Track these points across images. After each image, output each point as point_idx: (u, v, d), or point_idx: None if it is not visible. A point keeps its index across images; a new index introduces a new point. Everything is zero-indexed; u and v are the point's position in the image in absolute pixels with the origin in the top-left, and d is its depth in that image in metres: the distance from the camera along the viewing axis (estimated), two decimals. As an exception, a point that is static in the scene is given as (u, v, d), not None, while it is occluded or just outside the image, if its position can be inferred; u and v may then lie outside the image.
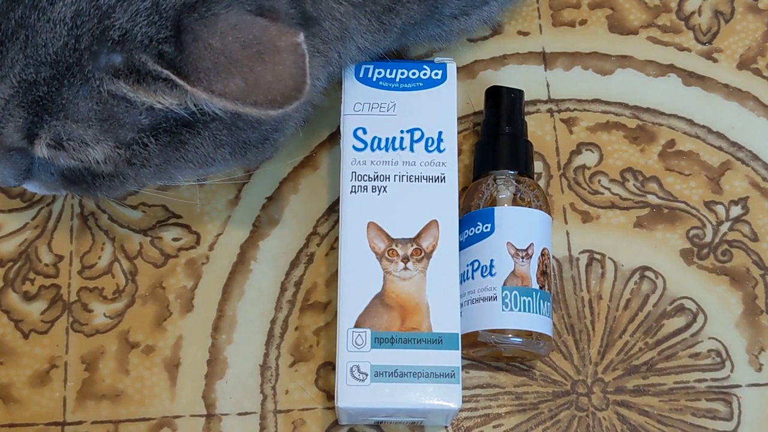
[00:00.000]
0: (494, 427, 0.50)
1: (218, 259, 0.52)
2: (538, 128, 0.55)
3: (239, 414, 0.50)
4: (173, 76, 0.40)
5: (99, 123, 0.42)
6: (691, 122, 0.55)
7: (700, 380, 0.51)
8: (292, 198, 0.53)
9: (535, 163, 0.53)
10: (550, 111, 0.55)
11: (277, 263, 0.52)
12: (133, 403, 0.50)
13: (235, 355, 0.51)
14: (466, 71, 0.56)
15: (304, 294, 0.52)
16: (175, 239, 0.53)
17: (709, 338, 0.51)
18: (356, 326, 0.46)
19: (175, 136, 0.44)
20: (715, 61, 0.56)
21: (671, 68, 0.56)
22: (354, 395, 0.45)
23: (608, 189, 0.54)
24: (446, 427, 0.50)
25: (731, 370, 0.51)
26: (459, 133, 0.54)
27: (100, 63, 0.41)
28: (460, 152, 0.54)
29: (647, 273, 0.52)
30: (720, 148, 0.55)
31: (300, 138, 0.53)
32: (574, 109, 0.55)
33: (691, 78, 0.56)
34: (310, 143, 0.54)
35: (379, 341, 0.46)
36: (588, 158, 0.54)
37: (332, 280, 0.52)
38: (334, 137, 0.54)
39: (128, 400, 0.50)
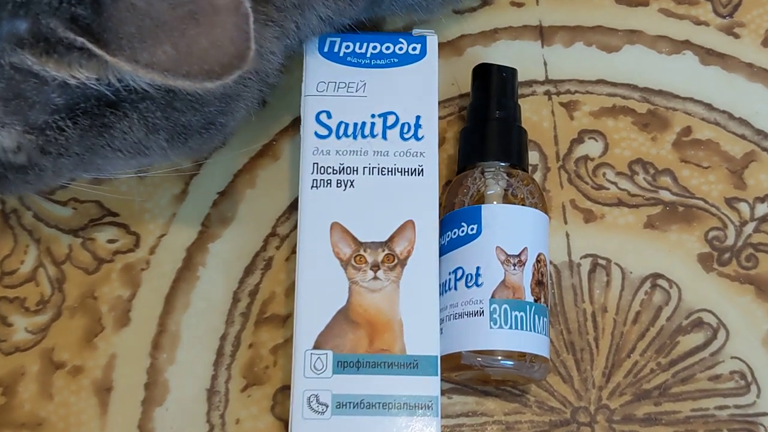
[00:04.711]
0: (481, 462, 0.45)
1: (160, 265, 0.47)
2: (534, 113, 0.49)
3: None
4: (89, 44, 0.35)
5: (3, 103, 0.37)
6: (709, 107, 0.50)
7: (721, 407, 0.46)
8: (248, 193, 0.48)
9: (530, 153, 0.48)
10: (547, 93, 0.50)
11: (229, 269, 0.47)
12: None
13: (178, 378, 0.45)
14: (451, 47, 0.50)
15: (260, 305, 0.46)
16: (111, 241, 0.47)
17: (732, 358, 0.46)
18: (315, 347, 0.41)
19: (97, 119, 0.39)
20: (736, 36, 0.51)
21: (687, 45, 0.51)
22: (311, 431, 0.40)
23: (614, 184, 0.49)
24: (424, 463, 0.44)
25: (757, 396, 0.46)
26: (442, 118, 0.49)
27: (1, 31, 0.36)
28: (443, 141, 0.49)
29: (660, 281, 0.47)
30: (743, 137, 0.50)
31: (255, 123, 0.47)
32: (576, 92, 0.50)
33: (709, 56, 0.51)
34: (269, 130, 0.49)
35: (342, 365, 0.41)
36: (591, 148, 0.49)
37: (293, 289, 0.45)
38: (298, 123, 0.48)
39: (51, 430, 0.44)
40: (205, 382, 0.45)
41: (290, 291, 0.46)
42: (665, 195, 0.49)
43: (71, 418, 0.45)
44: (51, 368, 0.45)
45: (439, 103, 0.48)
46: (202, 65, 0.35)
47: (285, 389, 0.45)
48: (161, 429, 0.44)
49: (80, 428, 0.44)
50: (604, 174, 0.49)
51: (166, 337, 0.46)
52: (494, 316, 0.42)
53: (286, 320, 0.46)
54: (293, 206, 0.47)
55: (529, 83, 0.50)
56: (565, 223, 0.48)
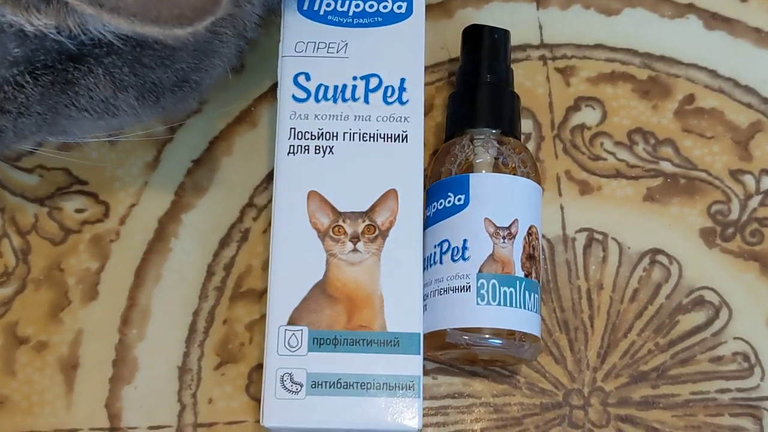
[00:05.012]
0: (467, 446, 0.42)
1: (131, 236, 0.44)
2: (528, 79, 0.47)
3: (150, 428, 0.42)
4: None
5: None
6: (714, 74, 0.48)
7: (722, 390, 0.43)
8: (224, 161, 0.45)
9: (523, 121, 0.45)
10: (542, 58, 0.47)
11: (203, 241, 0.44)
12: (20, 412, 0.42)
13: (148, 355, 0.43)
14: (441, 9, 0.48)
15: (236, 279, 0.44)
16: (79, 210, 0.45)
17: (735, 338, 0.44)
18: (290, 323, 0.38)
19: (60, 74, 0.36)
20: (743, 0, 0.49)
21: (690, 8, 0.48)
22: (284, 412, 0.37)
23: (613, 154, 0.46)
24: (407, 446, 0.42)
25: (761, 379, 0.44)
26: (431, 84, 0.47)
27: None
28: (430, 108, 0.46)
29: (659, 257, 0.45)
30: (749, 106, 0.47)
31: (233, 88, 0.45)
32: (572, 56, 0.48)
33: (714, 20, 0.48)
34: (248, 94, 0.46)
35: (318, 342, 0.38)
36: (588, 116, 0.47)
37: (271, 262, 0.44)
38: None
39: (13, 409, 0.42)
40: (177, 359, 0.43)
41: (267, 265, 0.43)
42: (666, 166, 0.46)
43: (35, 397, 0.42)
44: (14, 343, 0.43)
45: (428, 68, 0.46)
46: (173, 9, 0.32)
47: (261, 368, 0.42)
48: (130, 408, 0.42)
49: (44, 407, 0.42)
50: (601, 144, 0.46)
51: (136, 311, 0.43)
52: (482, 291, 0.39)
53: (262, 295, 0.44)
54: (272, 175, 0.45)
55: (523, 47, 0.47)
56: (560, 195, 0.46)
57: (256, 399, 0.42)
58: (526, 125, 0.46)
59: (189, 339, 0.43)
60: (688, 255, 0.45)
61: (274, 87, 0.46)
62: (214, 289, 0.44)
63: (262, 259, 0.44)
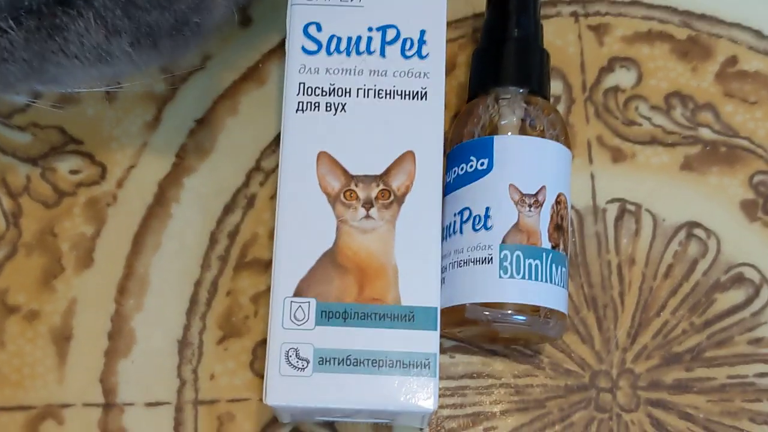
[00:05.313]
0: (485, 429, 0.40)
1: (129, 200, 0.42)
2: (559, 37, 0.44)
3: (148, 404, 0.40)
4: None
5: None
6: (758, 34, 0.45)
7: (761, 374, 0.41)
8: (229, 121, 0.43)
9: (552, 82, 0.43)
10: (574, 15, 0.45)
11: (206, 207, 0.42)
12: (9, 386, 0.40)
13: (146, 327, 0.41)
14: None
15: (241, 248, 0.41)
16: (73, 172, 0.42)
17: None
18: (296, 295, 0.36)
19: (46, 19, 0.34)
20: None
21: None
22: (289, 389, 0.35)
23: (648, 119, 0.44)
24: (421, 429, 0.40)
25: None
26: (454, 41, 0.44)
27: None
28: (453, 67, 0.43)
29: (696, 231, 0.43)
30: None
31: (239, 43, 0.43)
32: (606, 13, 0.45)
33: None
34: (255, 48, 0.44)
35: (326, 316, 0.36)
36: (623, 78, 0.44)
37: (278, 230, 0.41)
38: (288, 43, 0.44)
39: (3, 382, 0.40)
40: (177, 332, 0.40)
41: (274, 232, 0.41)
42: (705, 133, 0.43)
43: (26, 369, 0.40)
44: (4, 313, 0.40)
45: (451, 23, 0.43)
46: None
47: (266, 343, 0.40)
48: (126, 383, 0.40)
49: (35, 380, 0.40)
50: (636, 108, 0.44)
51: (134, 281, 0.41)
52: (505, 263, 0.37)
53: (268, 266, 0.41)
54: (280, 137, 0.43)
55: (554, 3, 0.45)
56: (590, 162, 0.43)
57: (261, 375, 0.40)
58: (555, 87, 0.43)
59: (190, 311, 0.41)
60: (727, 229, 0.42)
61: (284, 41, 0.43)
62: (217, 259, 0.41)
63: (268, 227, 0.41)
